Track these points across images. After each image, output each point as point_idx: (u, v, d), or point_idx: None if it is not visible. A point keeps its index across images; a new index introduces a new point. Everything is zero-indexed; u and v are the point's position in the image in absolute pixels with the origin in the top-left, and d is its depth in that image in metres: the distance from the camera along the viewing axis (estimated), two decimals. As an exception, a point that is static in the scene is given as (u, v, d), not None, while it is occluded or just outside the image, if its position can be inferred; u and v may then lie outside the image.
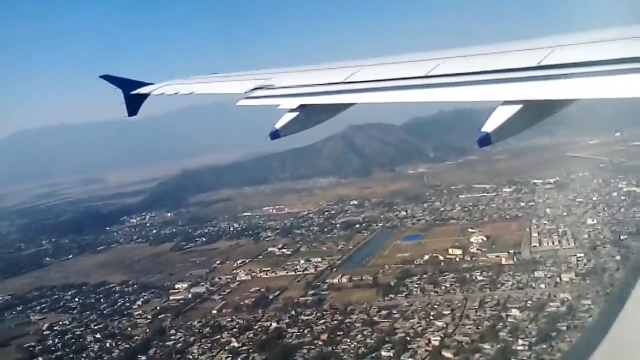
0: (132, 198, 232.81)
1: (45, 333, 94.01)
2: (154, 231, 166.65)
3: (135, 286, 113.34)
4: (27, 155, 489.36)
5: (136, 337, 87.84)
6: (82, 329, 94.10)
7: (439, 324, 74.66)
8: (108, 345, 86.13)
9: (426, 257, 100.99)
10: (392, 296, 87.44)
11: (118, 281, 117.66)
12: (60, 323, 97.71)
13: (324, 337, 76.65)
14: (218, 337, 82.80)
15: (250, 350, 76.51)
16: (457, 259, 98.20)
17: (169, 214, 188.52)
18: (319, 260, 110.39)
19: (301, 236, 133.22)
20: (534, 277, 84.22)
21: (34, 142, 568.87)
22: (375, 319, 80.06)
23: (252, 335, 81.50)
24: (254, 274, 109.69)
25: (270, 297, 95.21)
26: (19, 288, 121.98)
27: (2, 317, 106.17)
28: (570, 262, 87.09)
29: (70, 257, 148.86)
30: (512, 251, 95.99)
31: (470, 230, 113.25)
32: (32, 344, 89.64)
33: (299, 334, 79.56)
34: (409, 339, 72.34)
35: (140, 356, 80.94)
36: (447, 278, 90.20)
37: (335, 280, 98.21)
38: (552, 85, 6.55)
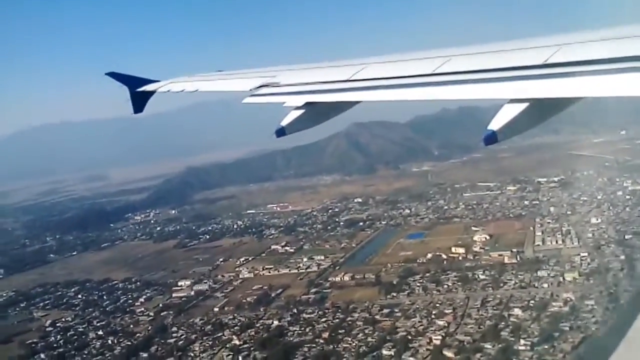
0: (136, 195, 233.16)
1: (47, 329, 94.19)
2: (158, 228, 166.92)
3: (138, 283, 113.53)
4: (31, 152, 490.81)
5: (138, 334, 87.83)
6: (84, 326, 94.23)
7: (441, 322, 74.35)
8: (109, 342, 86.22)
9: (429, 256, 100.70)
10: (394, 294, 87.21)
11: (121, 278, 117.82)
12: (63, 319, 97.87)
13: (325, 335, 76.49)
14: (219, 334, 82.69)
15: (251, 348, 76.41)
16: (460, 258, 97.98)
17: (173, 211, 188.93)
18: (322, 258, 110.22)
19: (304, 234, 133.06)
20: (536, 276, 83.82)
21: (38, 139, 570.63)
22: (377, 317, 79.87)
23: (253, 333, 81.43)
24: (257, 271, 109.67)
25: (272, 295, 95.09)
26: (22, 284, 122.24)
27: (5, 314, 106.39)
28: (574, 261, 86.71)
29: (74, 253, 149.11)
30: (515, 250, 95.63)
31: (473, 228, 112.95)
32: (35, 340, 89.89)
33: (300, 332, 79.39)
34: (410, 337, 72.07)
35: (141, 353, 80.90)
36: (449, 276, 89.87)
37: (338, 278, 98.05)
38: (558, 83, 6.53)
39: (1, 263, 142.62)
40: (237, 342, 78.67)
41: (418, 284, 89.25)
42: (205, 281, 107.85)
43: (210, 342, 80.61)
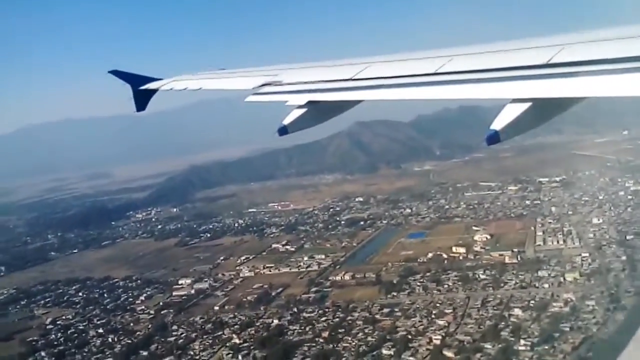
0: (138, 193, 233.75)
1: (48, 327, 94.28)
2: (159, 226, 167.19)
3: (139, 281, 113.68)
4: (34, 149, 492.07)
5: (138, 333, 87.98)
6: (84, 324, 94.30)
7: (441, 322, 74.28)
8: (110, 340, 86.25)
9: (430, 255, 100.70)
10: (395, 294, 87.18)
11: (122, 276, 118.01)
12: (63, 317, 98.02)
13: (325, 334, 76.45)
14: (219, 333, 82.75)
15: (251, 347, 76.35)
16: (461, 257, 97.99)
17: (175, 209, 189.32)
18: (322, 257, 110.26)
19: (305, 232, 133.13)
20: (537, 276, 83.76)
21: (41, 136, 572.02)
22: (377, 316, 79.88)
23: (253, 332, 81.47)
24: (257, 270, 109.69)
25: (273, 294, 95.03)
26: (23, 282, 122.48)
27: (6, 311, 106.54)
28: (575, 262, 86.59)
29: (76, 251, 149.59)
30: (515, 249, 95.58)
31: (474, 228, 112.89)
32: (35, 338, 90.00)
33: (300, 331, 79.41)
34: (410, 337, 72.04)
35: (141, 351, 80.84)
36: (449, 276, 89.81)
37: (338, 277, 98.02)
38: (561, 83, 6.48)
39: (3, 260, 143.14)
40: (237, 341, 78.71)
41: (418, 284, 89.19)
42: (205, 280, 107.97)
43: (210, 341, 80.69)
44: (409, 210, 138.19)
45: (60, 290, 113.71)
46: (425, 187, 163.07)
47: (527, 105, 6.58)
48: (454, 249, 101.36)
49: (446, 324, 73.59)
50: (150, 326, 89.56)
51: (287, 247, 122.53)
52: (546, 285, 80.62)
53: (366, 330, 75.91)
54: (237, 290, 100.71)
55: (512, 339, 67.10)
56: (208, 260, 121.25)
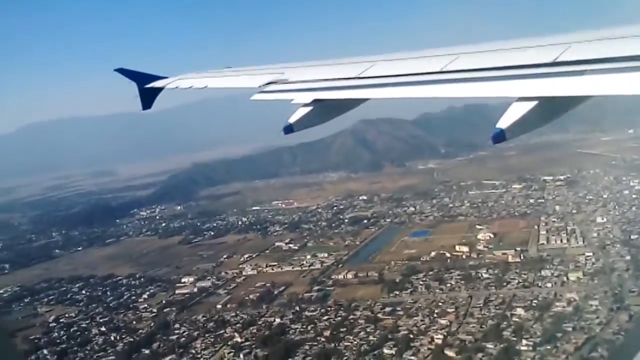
0: (142, 190, 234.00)
1: (50, 325, 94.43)
2: (163, 224, 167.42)
3: (142, 279, 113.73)
4: (38, 147, 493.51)
5: (140, 331, 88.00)
6: (87, 322, 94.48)
7: (443, 321, 73.95)
8: (112, 338, 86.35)
9: (432, 254, 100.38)
10: (397, 293, 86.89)
11: (125, 274, 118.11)
12: (66, 315, 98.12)
13: (327, 333, 76.21)
14: (221, 331, 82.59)
15: (253, 346, 76.21)
16: (464, 256, 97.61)
17: (179, 207, 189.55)
18: (325, 255, 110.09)
19: (309, 231, 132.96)
20: (540, 276, 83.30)
21: (45, 134, 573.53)
22: (379, 315, 79.56)
23: (255, 331, 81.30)
24: (260, 268, 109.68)
25: (275, 292, 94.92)
26: (27, 279, 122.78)
27: (9, 309, 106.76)
28: (578, 261, 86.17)
29: (80, 249, 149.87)
30: (519, 248, 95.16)
31: (477, 226, 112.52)
32: (38, 336, 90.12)
33: (301, 329, 79.17)
34: (411, 336, 71.74)
35: (143, 350, 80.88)
36: (452, 275, 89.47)
37: (341, 276, 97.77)
38: (568, 81, 6.42)
39: (7, 258, 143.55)
40: (239, 340, 78.53)
41: (421, 282, 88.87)
42: (208, 278, 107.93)
43: (212, 339, 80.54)
44: (412, 209, 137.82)
45: (64, 288, 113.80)
46: (429, 186, 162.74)
47: (533, 103, 6.55)
48: (457, 247, 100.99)
49: (448, 323, 73.23)
50: (152, 324, 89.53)
51: (290, 245, 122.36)
52: (549, 285, 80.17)
53: (368, 330, 75.58)
54: (240, 288, 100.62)
55: (514, 338, 66.69)
56: (211, 259, 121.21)
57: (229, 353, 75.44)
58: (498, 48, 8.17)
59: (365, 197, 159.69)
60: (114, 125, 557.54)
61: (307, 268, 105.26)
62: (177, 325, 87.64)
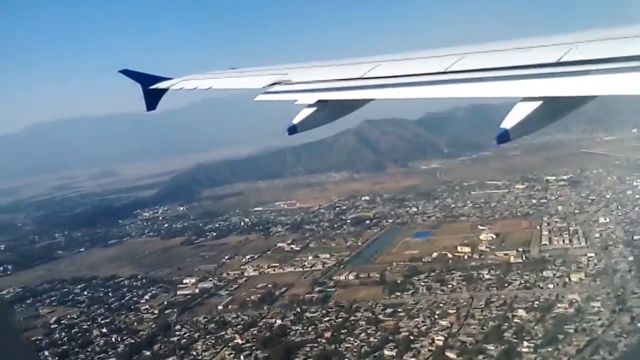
0: (145, 191, 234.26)
1: (52, 326, 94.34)
2: (165, 225, 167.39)
3: (144, 280, 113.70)
4: (43, 147, 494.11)
5: (141, 332, 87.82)
6: (88, 323, 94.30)
7: (444, 323, 73.70)
8: (113, 339, 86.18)
9: (434, 255, 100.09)
10: (398, 294, 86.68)
11: (127, 275, 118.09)
12: (68, 316, 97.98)
13: (327, 334, 76.00)
14: (222, 333, 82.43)
15: (253, 347, 76.03)
16: (465, 257, 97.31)
17: (181, 208, 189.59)
18: (327, 256, 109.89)
19: (311, 231, 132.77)
20: (542, 277, 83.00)
21: (49, 134, 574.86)
22: (380, 317, 79.32)
23: (255, 332, 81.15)
24: (262, 269, 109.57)
25: (276, 294, 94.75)
26: (30, 280, 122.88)
27: (12, 310, 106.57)
28: (580, 262, 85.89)
29: (82, 249, 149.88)
30: (521, 249, 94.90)
31: (480, 227, 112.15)
32: (39, 337, 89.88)
33: (302, 331, 78.96)
34: (412, 338, 71.46)
35: (144, 351, 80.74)
36: (454, 276, 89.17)
37: (342, 277, 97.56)
38: (572, 81, 6.44)
39: (10, 259, 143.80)
40: (240, 341, 78.33)
41: (422, 284, 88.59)
42: (210, 279, 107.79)
43: (212, 341, 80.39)
44: (414, 209, 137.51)
45: (66, 289, 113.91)
46: (431, 186, 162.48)
47: (537, 103, 6.56)
48: (459, 248, 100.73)
49: (449, 325, 72.98)
50: (153, 326, 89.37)
51: (292, 246, 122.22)
52: (551, 286, 79.84)
53: (369, 331, 75.34)
54: (241, 289, 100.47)
55: (515, 340, 66.46)
56: (213, 260, 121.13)
57: (229, 355, 75.27)
58: (502, 48, 8.22)
59: (367, 198, 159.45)
60: (118, 125, 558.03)
61: (308, 269, 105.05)
62: (178, 327, 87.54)
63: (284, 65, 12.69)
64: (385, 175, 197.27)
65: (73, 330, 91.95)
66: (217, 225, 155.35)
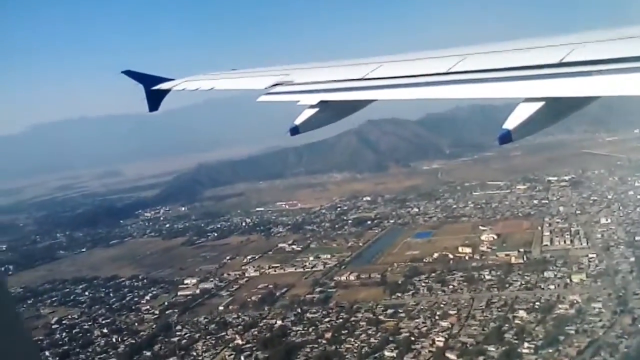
0: (147, 191, 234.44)
1: (53, 327, 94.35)
2: (167, 225, 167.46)
3: (145, 280, 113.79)
4: (44, 147, 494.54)
5: (142, 333, 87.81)
6: (89, 324, 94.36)
7: (444, 324, 73.54)
8: (114, 340, 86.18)
9: (435, 255, 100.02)
10: (399, 294, 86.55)
11: (128, 275, 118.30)
12: (69, 317, 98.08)
13: (328, 335, 75.90)
14: (223, 333, 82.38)
15: (254, 348, 75.96)
16: (467, 257, 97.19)
17: (183, 208, 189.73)
18: (328, 256, 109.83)
19: (312, 232, 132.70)
20: (543, 277, 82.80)
21: (51, 134, 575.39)
22: (381, 317, 79.20)
23: (256, 333, 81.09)
24: (263, 269, 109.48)
25: (277, 294, 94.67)
26: (31, 281, 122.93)
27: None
28: (581, 263, 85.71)
29: (84, 250, 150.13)
30: (522, 250, 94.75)
31: (481, 227, 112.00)
32: (40, 338, 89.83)
33: (303, 332, 78.89)
34: (413, 339, 71.32)
35: (144, 352, 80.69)
36: (455, 277, 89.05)
37: (343, 278, 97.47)
38: (574, 82, 6.43)
39: (12, 259, 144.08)
40: (240, 342, 78.28)
41: (423, 284, 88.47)
42: (211, 279, 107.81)
43: (213, 342, 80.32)
44: (416, 210, 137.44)
45: (67, 290, 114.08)
46: (433, 186, 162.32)
47: (539, 104, 6.54)
48: (460, 249, 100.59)
49: (450, 326, 72.82)
50: (154, 326, 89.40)
51: (293, 246, 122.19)
52: (552, 287, 79.65)
53: (369, 332, 75.27)
54: (242, 290, 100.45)
55: (516, 341, 66.27)
56: (214, 260, 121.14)
57: (229, 355, 75.23)
58: (504, 49, 8.18)
59: (369, 198, 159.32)
60: (120, 126, 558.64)
61: (309, 269, 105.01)
62: (178, 327, 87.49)
63: (286, 66, 12.72)
64: (387, 175, 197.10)
65: (74, 331, 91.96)
66: (218, 226, 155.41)
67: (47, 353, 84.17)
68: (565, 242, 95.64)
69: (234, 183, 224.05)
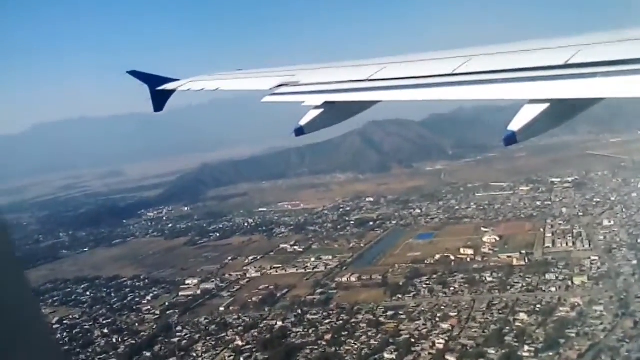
0: (150, 191, 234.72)
1: (54, 327, 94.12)
2: (170, 225, 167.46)
3: (147, 281, 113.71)
4: (47, 147, 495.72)
5: (142, 333, 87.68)
6: (90, 324, 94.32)
7: (445, 326, 73.14)
8: (114, 340, 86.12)
9: (437, 257, 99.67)
10: (400, 296, 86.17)
11: (130, 275, 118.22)
12: (70, 317, 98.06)
13: (328, 337, 75.65)
14: (223, 334, 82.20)
15: (254, 349, 75.76)
16: (468, 259, 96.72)
17: (186, 208, 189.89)
18: (330, 257, 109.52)
19: (314, 233, 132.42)
20: (544, 280, 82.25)
21: (55, 134, 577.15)
22: (381, 319, 78.78)
23: (256, 334, 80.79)
24: (264, 270, 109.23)
25: (278, 295, 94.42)
26: (33, 280, 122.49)
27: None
28: (583, 265, 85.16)
29: (86, 249, 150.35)
30: (524, 251, 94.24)
31: (483, 229, 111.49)
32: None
33: (303, 333, 78.60)
34: (413, 340, 70.99)
35: (144, 352, 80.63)
36: (456, 278, 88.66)
37: (344, 279, 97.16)
38: (580, 84, 6.45)
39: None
40: (240, 343, 78.08)
41: (424, 286, 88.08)
42: (212, 280, 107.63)
43: (213, 342, 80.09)
44: (418, 211, 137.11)
45: (69, 289, 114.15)
46: (436, 187, 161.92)
47: (545, 106, 6.56)
48: (461, 250, 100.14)
49: (450, 328, 72.44)
50: (155, 327, 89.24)
51: (295, 247, 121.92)
52: (553, 289, 79.12)
53: (369, 333, 74.86)
54: (243, 291, 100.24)
55: (516, 344, 65.76)
56: (216, 260, 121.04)
57: (229, 357, 75.10)
58: (509, 50, 8.22)
59: (372, 199, 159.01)
60: (124, 125, 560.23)
61: (311, 271, 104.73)
62: (179, 328, 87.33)
63: (291, 67, 12.80)
64: (390, 176, 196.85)
65: (74, 331, 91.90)
66: (221, 226, 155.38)
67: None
68: (567, 244, 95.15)
69: (237, 183, 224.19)
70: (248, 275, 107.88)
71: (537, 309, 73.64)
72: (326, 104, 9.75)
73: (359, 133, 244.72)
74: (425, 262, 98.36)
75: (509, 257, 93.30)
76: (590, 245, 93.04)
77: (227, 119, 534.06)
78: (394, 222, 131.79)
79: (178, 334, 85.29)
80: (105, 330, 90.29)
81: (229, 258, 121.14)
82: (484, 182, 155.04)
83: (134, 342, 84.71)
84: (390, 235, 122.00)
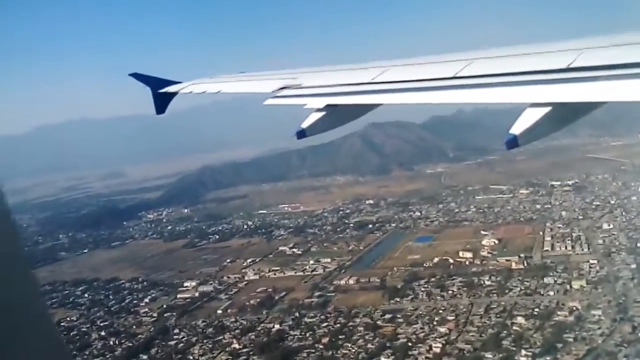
0: (151, 193, 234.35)
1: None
2: (169, 227, 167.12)
3: (145, 283, 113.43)
4: (49, 148, 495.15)
5: (139, 335, 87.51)
6: (87, 326, 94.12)
7: (442, 329, 72.96)
8: (111, 342, 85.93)
9: (436, 260, 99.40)
10: (398, 299, 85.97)
11: (128, 277, 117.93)
12: (67, 319, 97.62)
13: (325, 340, 75.48)
14: (220, 337, 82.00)
15: (250, 353, 75.60)
16: (467, 262, 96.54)
17: (186, 210, 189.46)
18: (328, 260, 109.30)
19: (313, 235, 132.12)
20: (543, 283, 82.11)
21: (56, 135, 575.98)
22: (378, 322, 78.72)
23: (253, 337, 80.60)
24: (263, 273, 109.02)
25: (276, 298, 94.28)
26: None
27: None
28: (582, 269, 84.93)
29: (86, 251, 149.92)
30: (522, 255, 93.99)
31: (482, 232, 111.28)
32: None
33: (300, 336, 78.39)
34: (410, 344, 70.83)
35: (141, 355, 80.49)
36: (454, 282, 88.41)
37: (342, 282, 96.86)
38: (582, 87, 6.47)
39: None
40: (237, 346, 77.94)
41: (422, 289, 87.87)
42: (210, 282, 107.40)
43: (210, 345, 79.96)
44: (418, 214, 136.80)
45: (67, 291, 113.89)
46: (436, 190, 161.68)
47: (546, 109, 6.54)
48: (460, 253, 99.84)
49: (447, 332, 72.30)
50: (152, 329, 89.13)
51: (294, 250, 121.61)
52: (551, 293, 78.95)
53: (366, 337, 74.75)
54: (241, 293, 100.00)
55: (514, 348, 65.64)
56: (215, 263, 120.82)
57: (225, 360, 75.00)
58: (511, 53, 8.23)
59: (371, 201, 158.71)
60: (125, 127, 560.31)
61: (309, 273, 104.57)
62: (176, 331, 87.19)
63: (293, 69, 12.84)
64: (390, 178, 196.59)
65: (72, 333, 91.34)
66: (220, 228, 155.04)
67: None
68: (566, 247, 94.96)
69: (237, 185, 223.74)
70: (246, 278, 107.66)
71: (535, 313, 73.43)
72: (328, 106, 9.76)
73: (359, 135, 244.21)
74: (424, 265, 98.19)
75: (507, 260, 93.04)
76: (589, 248, 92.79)
77: (228, 121, 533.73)
78: (393, 224, 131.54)
79: (175, 336, 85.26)
80: (103, 333, 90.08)
81: (228, 260, 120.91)
82: (484, 184, 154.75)
83: (131, 344, 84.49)
84: (390, 238, 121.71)
